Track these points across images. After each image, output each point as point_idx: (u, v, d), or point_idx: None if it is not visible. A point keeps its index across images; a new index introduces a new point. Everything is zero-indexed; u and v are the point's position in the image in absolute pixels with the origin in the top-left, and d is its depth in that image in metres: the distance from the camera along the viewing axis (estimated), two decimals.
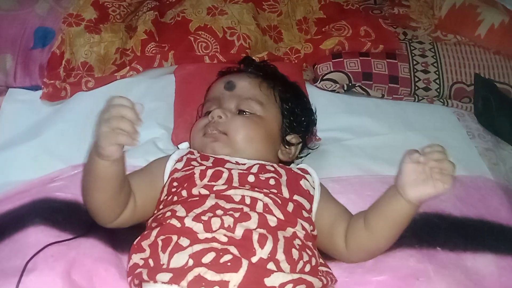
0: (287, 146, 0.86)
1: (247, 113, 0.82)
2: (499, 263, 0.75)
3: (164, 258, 0.62)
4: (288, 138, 0.86)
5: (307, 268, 0.65)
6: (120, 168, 0.67)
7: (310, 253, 0.67)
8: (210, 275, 0.59)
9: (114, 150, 0.63)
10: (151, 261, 0.64)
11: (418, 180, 0.65)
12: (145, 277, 0.62)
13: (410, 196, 0.65)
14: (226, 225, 0.64)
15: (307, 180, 0.76)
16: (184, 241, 0.63)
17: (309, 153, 0.92)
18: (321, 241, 0.74)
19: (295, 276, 0.62)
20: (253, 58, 1.05)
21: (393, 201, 0.68)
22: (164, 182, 0.75)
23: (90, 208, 0.72)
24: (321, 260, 0.70)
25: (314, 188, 0.76)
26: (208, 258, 0.61)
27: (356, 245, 0.72)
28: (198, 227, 0.64)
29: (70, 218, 0.75)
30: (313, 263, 0.67)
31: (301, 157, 0.90)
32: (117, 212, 0.72)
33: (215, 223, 0.64)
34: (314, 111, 0.93)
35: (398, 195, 0.67)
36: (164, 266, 0.62)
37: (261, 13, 1.26)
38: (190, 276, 0.59)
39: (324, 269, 0.69)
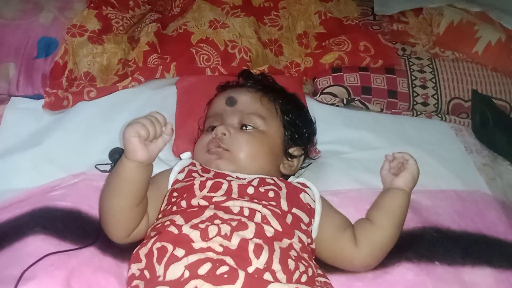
0: (289, 159, 0.86)
1: (250, 128, 0.82)
2: (497, 277, 0.75)
3: (160, 269, 0.62)
4: (290, 150, 0.86)
5: (304, 279, 0.65)
6: (144, 176, 0.70)
7: (306, 264, 0.67)
8: None
9: (136, 142, 0.67)
10: (146, 273, 0.64)
11: (397, 174, 0.81)
12: None
13: (397, 184, 0.79)
14: (222, 233, 0.64)
15: (307, 193, 0.77)
16: (179, 252, 0.63)
17: (311, 163, 0.92)
18: (327, 250, 0.75)
19: (292, 286, 0.62)
20: (252, 71, 1.05)
21: (387, 193, 0.80)
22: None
23: (106, 217, 0.72)
24: (319, 271, 0.70)
25: (314, 201, 0.77)
26: (204, 269, 0.61)
27: (367, 240, 0.74)
28: (194, 234, 0.64)
29: (70, 226, 0.75)
30: (310, 273, 0.67)
31: (303, 168, 0.91)
32: (131, 226, 0.72)
33: (212, 230, 0.65)
34: (313, 121, 0.93)
35: (390, 188, 0.80)
36: (160, 279, 0.62)
37: (262, 27, 1.28)
38: None
39: (322, 279, 0.69)
